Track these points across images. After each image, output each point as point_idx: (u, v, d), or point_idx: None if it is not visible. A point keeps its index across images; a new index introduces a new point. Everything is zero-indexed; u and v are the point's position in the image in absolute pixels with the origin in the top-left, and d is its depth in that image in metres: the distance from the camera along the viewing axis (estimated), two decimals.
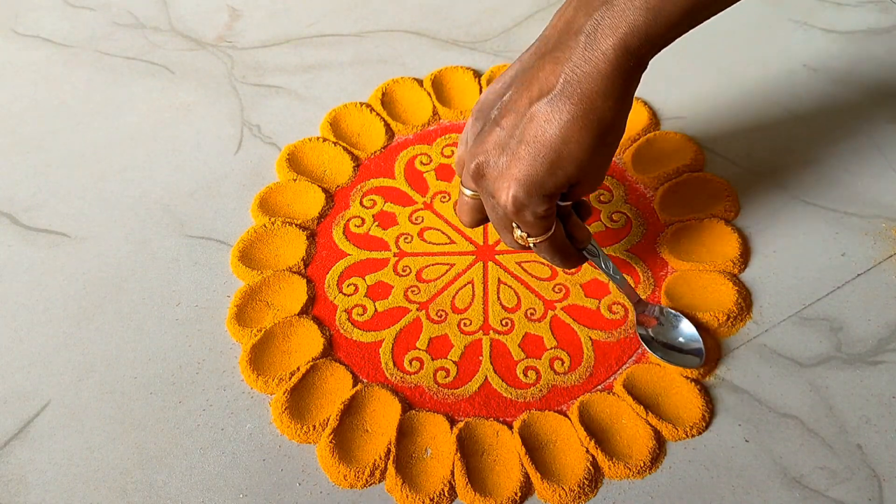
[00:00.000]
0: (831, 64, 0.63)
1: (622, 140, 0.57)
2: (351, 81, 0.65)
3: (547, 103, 0.36)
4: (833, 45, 0.64)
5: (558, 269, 0.51)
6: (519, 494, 0.42)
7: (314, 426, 0.45)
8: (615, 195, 0.55)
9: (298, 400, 0.46)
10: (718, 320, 0.48)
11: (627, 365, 0.47)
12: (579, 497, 0.42)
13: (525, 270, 0.52)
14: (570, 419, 0.45)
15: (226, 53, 0.68)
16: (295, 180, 0.57)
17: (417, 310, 0.51)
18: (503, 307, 0.50)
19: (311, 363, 0.48)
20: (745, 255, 0.51)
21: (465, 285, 0.52)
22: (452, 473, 0.43)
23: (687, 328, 0.47)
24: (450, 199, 0.56)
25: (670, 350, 0.46)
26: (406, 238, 0.54)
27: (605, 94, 0.35)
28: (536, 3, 0.69)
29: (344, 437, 0.45)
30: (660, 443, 0.44)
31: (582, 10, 0.36)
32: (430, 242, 0.54)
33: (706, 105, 0.60)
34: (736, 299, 0.48)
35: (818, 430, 0.44)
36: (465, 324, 0.50)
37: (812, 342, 0.47)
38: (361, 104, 0.62)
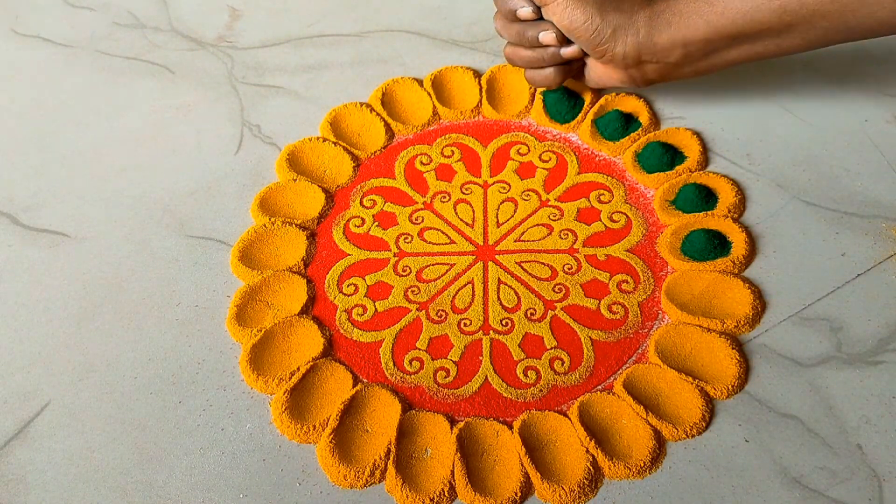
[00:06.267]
0: (831, 63, 0.63)
1: (622, 140, 0.58)
2: (351, 81, 0.65)
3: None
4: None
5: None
6: (519, 494, 0.42)
7: (314, 426, 0.45)
8: (615, 195, 0.55)
9: (298, 400, 0.46)
10: (731, 324, 0.48)
11: (627, 365, 0.47)
12: (579, 497, 0.42)
13: (525, 270, 0.52)
14: (570, 419, 0.45)
15: (226, 53, 0.68)
16: (295, 180, 0.57)
17: (417, 310, 0.51)
18: (503, 307, 0.50)
19: (311, 363, 0.48)
20: (749, 256, 0.51)
21: (465, 285, 0.52)
22: (452, 473, 0.43)
23: None
24: (450, 199, 0.56)
25: None
26: (406, 238, 0.54)
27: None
28: None
29: (344, 437, 0.45)
30: (660, 443, 0.44)
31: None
32: (430, 242, 0.54)
33: (706, 105, 0.60)
34: (752, 300, 0.48)
35: (818, 430, 0.44)
36: (465, 324, 0.50)
37: (812, 342, 0.47)
38: (361, 104, 0.62)
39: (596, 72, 0.54)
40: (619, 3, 0.48)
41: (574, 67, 0.55)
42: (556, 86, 0.55)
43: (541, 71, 0.54)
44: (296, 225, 0.55)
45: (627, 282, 0.51)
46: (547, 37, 0.51)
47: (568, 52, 0.52)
